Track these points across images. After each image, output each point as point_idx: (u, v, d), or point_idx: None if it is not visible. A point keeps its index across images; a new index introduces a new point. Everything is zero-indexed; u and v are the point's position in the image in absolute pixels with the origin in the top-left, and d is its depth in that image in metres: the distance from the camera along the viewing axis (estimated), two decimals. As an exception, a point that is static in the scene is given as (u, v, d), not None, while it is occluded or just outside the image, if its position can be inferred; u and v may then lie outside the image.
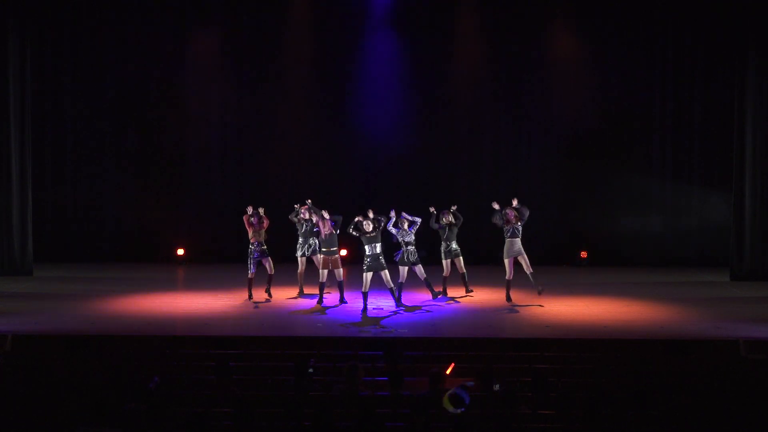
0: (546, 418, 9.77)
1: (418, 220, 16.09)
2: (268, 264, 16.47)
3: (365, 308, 15.28)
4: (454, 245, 16.64)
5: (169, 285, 18.13)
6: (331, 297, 16.43)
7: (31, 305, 15.81)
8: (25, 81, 19.31)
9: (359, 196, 21.44)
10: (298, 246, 16.76)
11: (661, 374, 11.72)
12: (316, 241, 16.43)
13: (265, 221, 16.44)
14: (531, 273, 16.19)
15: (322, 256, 15.95)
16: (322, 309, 15.58)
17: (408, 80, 21.93)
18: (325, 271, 15.89)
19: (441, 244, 16.70)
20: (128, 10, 21.48)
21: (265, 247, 16.47)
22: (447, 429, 8.91)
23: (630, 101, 21.65)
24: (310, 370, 10.77)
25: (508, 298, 16.27)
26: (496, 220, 16.25)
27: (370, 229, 15.31)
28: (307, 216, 16.59)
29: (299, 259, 16.84)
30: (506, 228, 16.15)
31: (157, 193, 22.03)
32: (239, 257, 20.23)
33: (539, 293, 16.14)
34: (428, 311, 15.50)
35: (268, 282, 16.56)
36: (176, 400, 10.20)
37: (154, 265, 20.86)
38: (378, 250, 15.34)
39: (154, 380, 10.57)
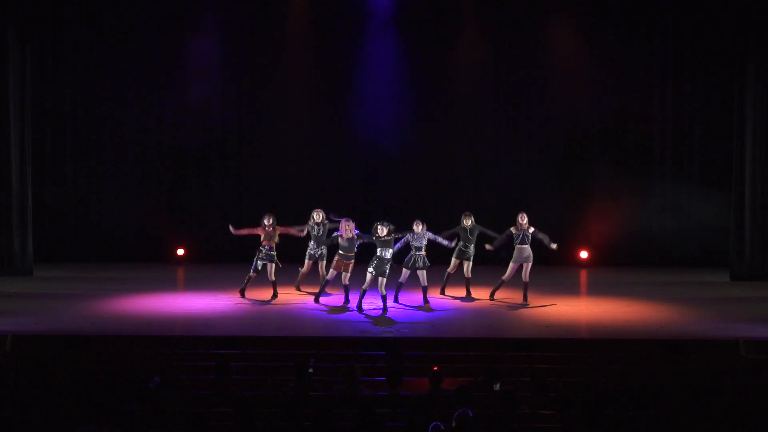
0: (546, 418, 9.77)
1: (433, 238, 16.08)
2: (270, 269, 16.43)
3: (360, 304, 15.38)
4: (471, 249, 16.55)
5: (169, 285, 18.12)
6: (333, 298, 16.47)
7: (31, 305, 15.81)
8: (25, 81, 19.29)
9: (359, 197, 21.44)
10: (309, 250, 16.77)
11: (661, 374, 11.72)
12: (324, 248, 16.59)
13: (278, 228, 16.45)
14: (526, 282, 16.17)
15: (336, 258, 15.80)
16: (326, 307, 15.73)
17: (408, 81, 21.87)
18: (335, 272, 15.83)
19: (459, 242, 16.62)
20: (128, 10, 21.45)
21: (274, 253, 16.39)
22: (447, 429, 8.91)
23: (630, 101, 21.62)
24: (310, 370, 10.78)
25: (492, 296, 16.35)
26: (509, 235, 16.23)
27: (384, 233, 15.35)
28: (319, 220, 16.62)
29: (306, 262, 16.84)
30: (516, 234, 16.13)
31: (157, 193, 22.01)
32: (239, 257, 20.28)
33: (524, 303, 16.14)
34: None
35: (273, 286, 16.54)
36: (176, 400, 10.21)
37: (154, 265, 20.84)
38: (388, 255, 15.34)
39: (154, 380, 10.58)
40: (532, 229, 16.16)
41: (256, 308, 15.82)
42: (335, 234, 15.97)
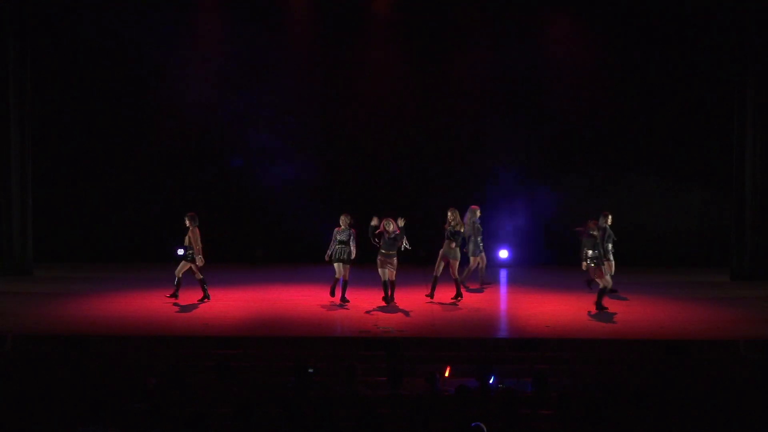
0: (546, 418, 9.77)
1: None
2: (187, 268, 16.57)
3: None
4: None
5: (170, 285, 18.10)
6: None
7: (31, 305, 15.82)
8: (25, 81, 19.29)
9: (359, 197, 21.42)
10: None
11: (661, 374, 11.73)
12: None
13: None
14: (455, 278, 16.31)
15: (379, 258, 16.00)
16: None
17: (408, 81, 21.87)
18: (385, 270, 16.01)
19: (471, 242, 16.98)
20: (128, 10, 21.43)
21: (187, 252, 16.54)
22: (447, 429, 8.91)
23: (630, 101, 21.62)
24: (310, 370, 10.78)
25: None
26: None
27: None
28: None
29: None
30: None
31: (156, 192, 21.99)
32: (238, 257, 20.34)
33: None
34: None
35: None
36: (176, 400, 10.21)
37: (154, 265, 20.82)
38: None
39: (152, 382, 10.57)
40: (461, 228, 16.36)
41: (256, 308, 15.84)
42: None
